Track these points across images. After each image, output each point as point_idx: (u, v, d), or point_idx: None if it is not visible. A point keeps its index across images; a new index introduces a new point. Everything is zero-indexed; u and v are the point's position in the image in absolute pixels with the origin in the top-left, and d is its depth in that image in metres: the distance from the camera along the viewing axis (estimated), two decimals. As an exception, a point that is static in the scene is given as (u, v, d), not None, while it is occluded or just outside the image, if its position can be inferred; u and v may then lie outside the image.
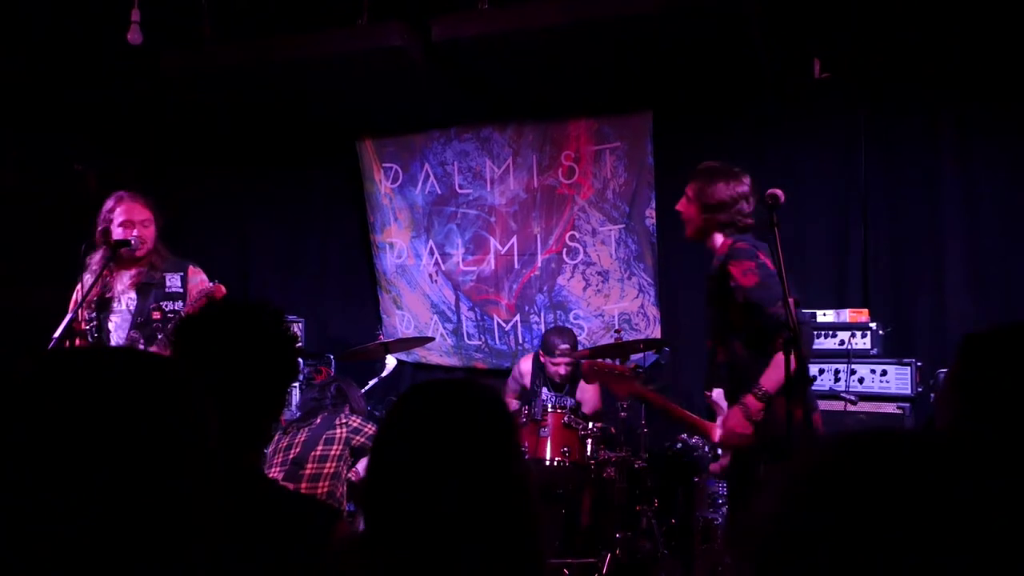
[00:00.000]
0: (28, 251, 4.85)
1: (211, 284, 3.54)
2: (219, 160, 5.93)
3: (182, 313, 3.53)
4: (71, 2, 4.32)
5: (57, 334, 3.38)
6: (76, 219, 4.46)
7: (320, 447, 3.75)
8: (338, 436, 3.80)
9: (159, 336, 3.50)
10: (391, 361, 4.67)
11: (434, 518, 1.22)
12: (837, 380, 4.06)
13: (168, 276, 3.62)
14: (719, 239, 3.01)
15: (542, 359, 4.67)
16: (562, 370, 4.55)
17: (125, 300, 3.58)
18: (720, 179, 2.97)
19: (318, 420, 3.85)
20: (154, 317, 3.53)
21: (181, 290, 3.62)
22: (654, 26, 3.94)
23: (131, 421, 0.77)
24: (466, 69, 4.58)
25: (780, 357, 2.58)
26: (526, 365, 4.87)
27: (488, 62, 4.46)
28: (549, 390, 4.63)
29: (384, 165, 5.72)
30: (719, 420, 2.91)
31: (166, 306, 3.56)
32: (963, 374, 1.44)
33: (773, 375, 2.71)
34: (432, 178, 5.62)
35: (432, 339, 5.47)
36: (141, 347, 3.50)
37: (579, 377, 4.64)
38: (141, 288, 3.58)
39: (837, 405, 3.86)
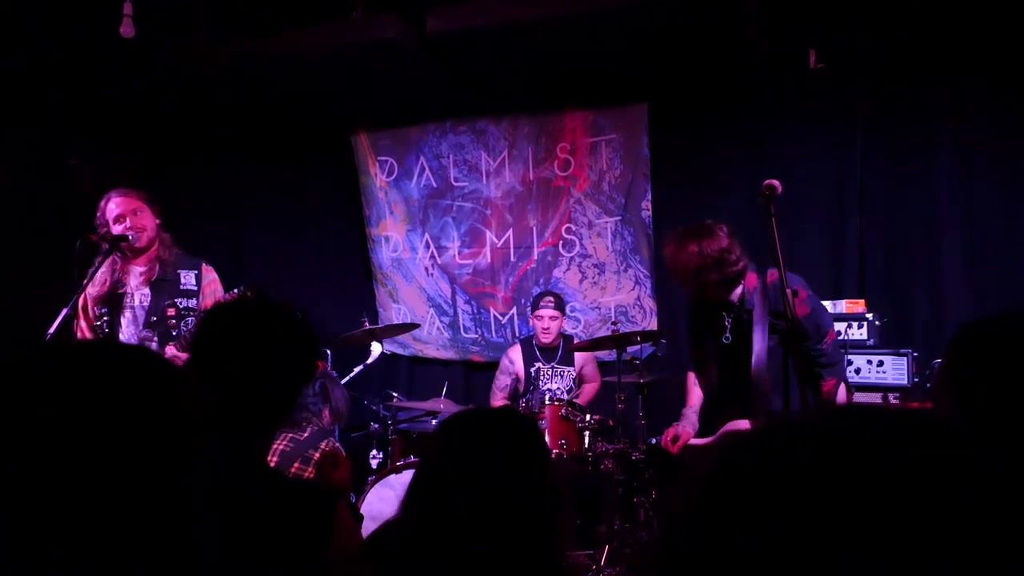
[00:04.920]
0: (27, 250, 4.83)
1: (236, 292, 3.47)
2: (214, 155, 5.91)
3: (197, 310, 3.51)
4: (68, 1, 4.29)
5: (52, 329, 3.37)
6: (72, 216, 4.44)
7: (297, 464, 3.48)
8: (315, 460, 3.49)
9: (174, 333, 3.46)
10: (376, 348, 4.66)
11: (475, 526, 1.40)
12: (834, 371, 4.07)
13: (182, 273, 3.58)
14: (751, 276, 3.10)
15: (531, 322, 4.86)
16: (546, 323, 4.70)
17: (138, 297, 3.54)
18: (704, 237, 3.00)
19: (306, 434, 3.54)
20: (168, 314, 3.49)
21: (195, 287, 3.59)
22: (650, 17, 3.93)
23: (101, 418, 0.76)
24: (461, 61, 4.57)
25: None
26: (516, 352, 4.93)
27: (483, 54, 4.45)
28: (545, 363, 4.75)
29: (379, 158, 5.70)
30: None
31: (180, 303, 3.52)
32: (958, 365, 1.42)
33: None
34: (427, 171, 5.61)
35: (418, 326, 5.46)
36: (154, 346, 3.45)
37: (571, 348, 4.70)
38: (155, 285, 3.54)
39: (834, 396, 3.87)
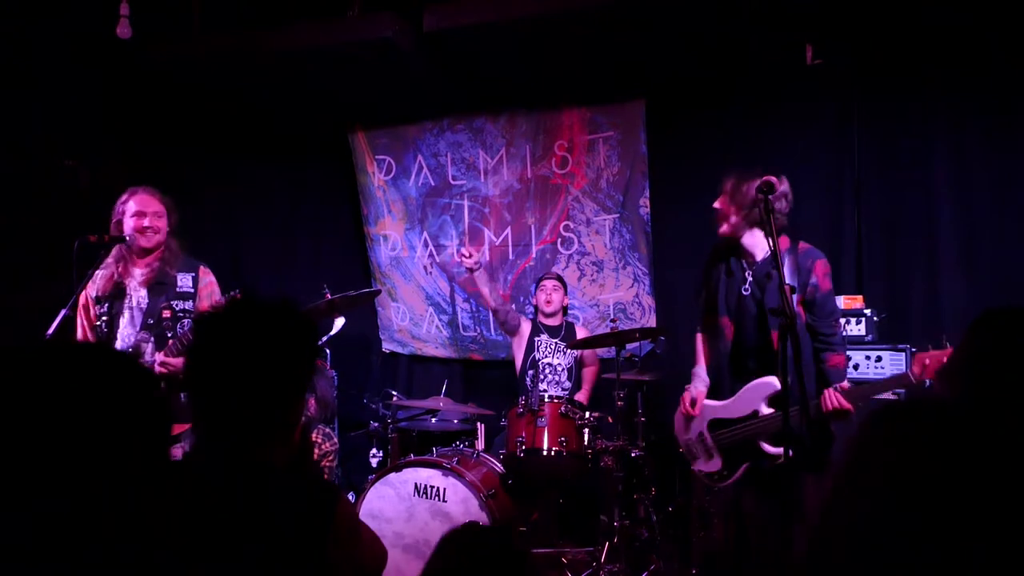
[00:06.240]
0: (26, 250, 4.83)
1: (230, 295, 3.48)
2: (211, 154, 5.89)
3: (193, 313, 3.52)
4: (67, 1, 4.29)
5: (51, 330, 3.37)
6: (71, 216, 4.44)
7: None
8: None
9: (168, 335, 3.48)
10: (339, 322, 4.65)
11: None
12: (832, 366, 4.07)
13: (180, 276, 3.60)
14: (760, 235, 3.13)
15: (535, 299, 4.96)
16: (548, 292, 4.84)
17: (136, 298, 3.55)
18: (754, 179, 3.05)
19: None
20: (164, 316, 3.51)
21: (192, 290, 3.61)
22: (647, 14, 3.93)
23: (46, 415, 0.80)
24: (458, 59, 4.57)
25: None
26: (526, 324, 4.99)
27: (480, 52, 4.45)
28: (549, 336, 4.82)
29: (377, 157, 5.70)
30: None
31: (176, 305, 3.54)
32: (978, 348, 1.43)
33: None
34: (425, 169, 5.61)
35: (378, 292, 5.53)
36: (150, 348, 3.49)
37: (573, 344, 4.75)
38: (153, 287, 3.55)
39: (832, 392, 3.87)
